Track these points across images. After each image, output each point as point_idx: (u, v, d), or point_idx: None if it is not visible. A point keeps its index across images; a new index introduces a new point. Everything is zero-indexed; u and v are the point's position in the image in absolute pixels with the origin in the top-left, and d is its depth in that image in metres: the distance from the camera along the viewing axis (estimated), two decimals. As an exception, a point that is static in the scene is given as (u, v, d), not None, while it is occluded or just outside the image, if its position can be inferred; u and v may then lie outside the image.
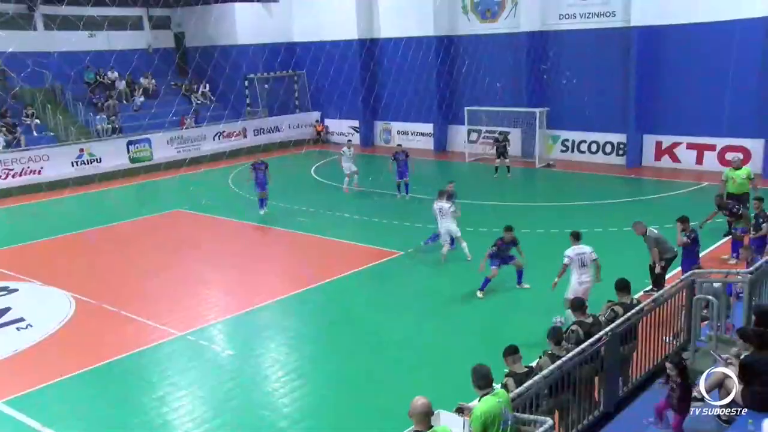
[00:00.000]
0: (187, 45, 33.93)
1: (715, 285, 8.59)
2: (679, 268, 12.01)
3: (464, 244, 14.82)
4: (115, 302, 13.18)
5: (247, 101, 33.41)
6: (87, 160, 26.59)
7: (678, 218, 12.11)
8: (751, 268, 9.09)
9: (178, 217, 20.41)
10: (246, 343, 11.59)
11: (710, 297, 8.39)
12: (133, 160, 27.66)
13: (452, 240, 14.88)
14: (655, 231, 12.08)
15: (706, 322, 8.85)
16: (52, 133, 27.31)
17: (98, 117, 28.47)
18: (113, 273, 15.24)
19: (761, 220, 12.66)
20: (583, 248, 10.87)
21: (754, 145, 21.79)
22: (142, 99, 30.82)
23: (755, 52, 21.42)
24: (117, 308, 12.92)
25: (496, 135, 25.05)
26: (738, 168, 15.31)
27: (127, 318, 12.52)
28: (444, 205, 14.79)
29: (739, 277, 9.05)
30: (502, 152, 23.63)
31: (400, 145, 23.33)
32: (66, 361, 10.83)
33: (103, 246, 17.55)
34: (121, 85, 31.05)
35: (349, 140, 26.91)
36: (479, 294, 12.83)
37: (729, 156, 22.51)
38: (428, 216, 18.20)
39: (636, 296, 9.24)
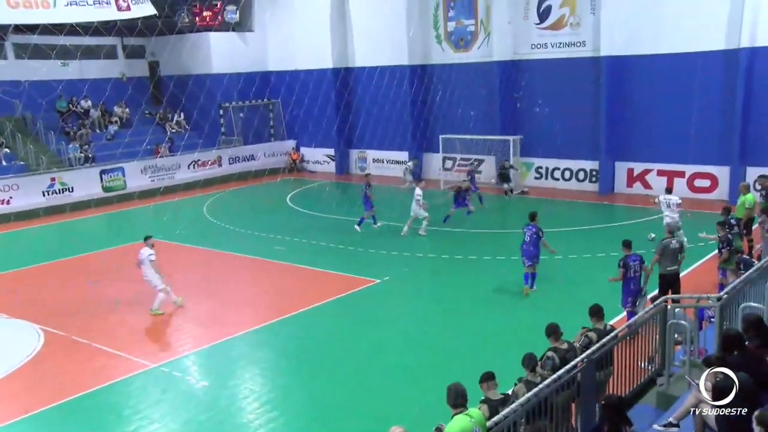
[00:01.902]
0: (161, 74, 33.87)
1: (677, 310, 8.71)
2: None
3: (425, 224, 19.26)
4: (85, 334, 12.91)
5: (222, 130, 33.37)
6: (58, 190, 26.24)
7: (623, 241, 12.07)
8: (721, 293, 9.23)
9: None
10: (220, 374, 11.40)
11: (682, 322, 8.49)
12: (106, 189, 27.36)
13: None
14: (675, 242, 11.98)
15: (679, 347, 8.93)
16: (22, 162, 26.93)
17: (71, 146, 28.18)
18: (84, 304, 14.93)
19: (723, 244, 12.89)
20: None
21: (720, 171, 22.33)
22: (115, 128, 30.60)
23: (716, 83, 22.15)
24: (88, 340, 12.66)
25: (503, 163, 25.69)
26: (744, 194, 15.90)
27: (98, 350, 12.27)
28: (417, 192, 19.39)
29: (709, 302, 9.17)
30: (505, 178, 25.01)
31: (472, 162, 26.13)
32: (34, 396, 10.53)
33: (73, 277, 17.22)
34: (95, 113, 30.83)
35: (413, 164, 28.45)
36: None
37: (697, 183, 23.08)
38: (405, 244, 18.30)
39: (611, 322, 9.30)
